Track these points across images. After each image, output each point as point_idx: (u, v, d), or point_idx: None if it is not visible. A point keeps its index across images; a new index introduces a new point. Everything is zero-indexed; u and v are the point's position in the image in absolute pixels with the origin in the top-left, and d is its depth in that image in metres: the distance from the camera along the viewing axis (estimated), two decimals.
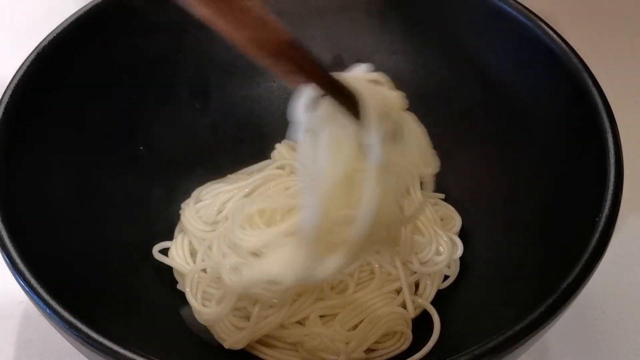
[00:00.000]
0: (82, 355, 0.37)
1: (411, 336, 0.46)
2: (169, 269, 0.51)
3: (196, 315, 0.47)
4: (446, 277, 0.51)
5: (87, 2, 0.48)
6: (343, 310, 0.47)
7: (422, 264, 0.49)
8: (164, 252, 0.51)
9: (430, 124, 0.55)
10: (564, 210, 0.43)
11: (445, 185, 0.55)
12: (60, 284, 0.37)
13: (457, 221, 0.53)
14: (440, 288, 0.50)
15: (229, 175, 0.56)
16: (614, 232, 0.37)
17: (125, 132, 0.52)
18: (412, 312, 0.48)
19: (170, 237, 0.52)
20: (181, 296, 0.49)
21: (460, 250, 0.51)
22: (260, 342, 0.46)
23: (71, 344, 0.36)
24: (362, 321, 0.47)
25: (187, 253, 0.51)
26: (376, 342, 0.46)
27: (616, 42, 0.73)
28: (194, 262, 0.50)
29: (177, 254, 0.51)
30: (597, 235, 0.37)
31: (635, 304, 0.53)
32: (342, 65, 0.57)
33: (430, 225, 0.51)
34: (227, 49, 0.55)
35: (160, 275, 0.50)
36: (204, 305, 0.48)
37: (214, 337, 0.47)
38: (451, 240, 0.51)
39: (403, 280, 0.48)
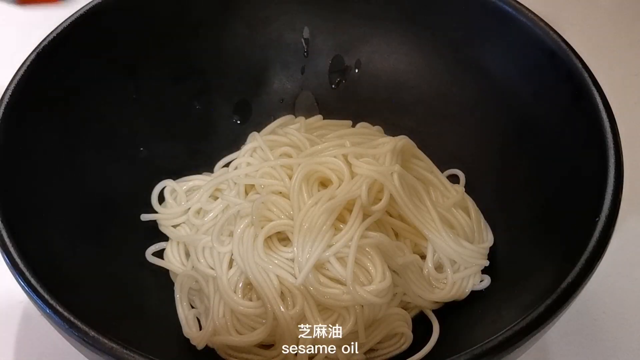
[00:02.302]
0: (82, 355, 0.37)
1: (411, 336, 0.46)
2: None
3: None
4: None
5: None
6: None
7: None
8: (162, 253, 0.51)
9: (429, 123, 0.56)
10: (564, 211, 0.43)
11: None
12: (60, 284, 0.37)
13: None
14: None
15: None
16: (614, 232, 0.37)
17: (126, 133, 0.52)
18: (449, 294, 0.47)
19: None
20: None
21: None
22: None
23: (71, 344, 0.36)
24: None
25: (183, 254, 0.51)
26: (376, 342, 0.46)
27: (616, 42, 0.73)
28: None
29: (172, 255, 0.51)
30: (597, 235, 0.37)
31: (635, 304, 0.53)
32: (342, 65, 0.58)
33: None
34: (227, 50, 0.56)
35: (160, 276, 0.50)
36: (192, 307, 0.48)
37: None
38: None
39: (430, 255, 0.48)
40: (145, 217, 0.51)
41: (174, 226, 0.52)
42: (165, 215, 0.52)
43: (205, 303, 0.47)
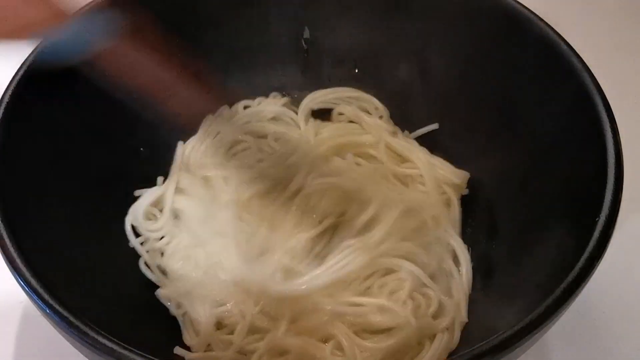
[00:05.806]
0: (82, 355, 0.37)
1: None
2: None
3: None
4: None
5: None
6: None
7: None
8: None
9: (429, 122, 0.56)
10: (564, 210, 0.43)
11: None
12: (60, 284, 0.37)
13: None
14: None
15: None
16: (614, 232, 0.37)
17: (126, 132, 0.52)
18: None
19: None
20: None
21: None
22: None
23: (71, 344, 0.36)
24: None
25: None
26: None
27: (616, 41, 0.73)
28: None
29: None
30: (597, 235, 0.37)
31: (635, 304, 0.53)
32: (342, 65, 0.58)
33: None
34: (227, 50, 0.56)
35: None
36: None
37: None
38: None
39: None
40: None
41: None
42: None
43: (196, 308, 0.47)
